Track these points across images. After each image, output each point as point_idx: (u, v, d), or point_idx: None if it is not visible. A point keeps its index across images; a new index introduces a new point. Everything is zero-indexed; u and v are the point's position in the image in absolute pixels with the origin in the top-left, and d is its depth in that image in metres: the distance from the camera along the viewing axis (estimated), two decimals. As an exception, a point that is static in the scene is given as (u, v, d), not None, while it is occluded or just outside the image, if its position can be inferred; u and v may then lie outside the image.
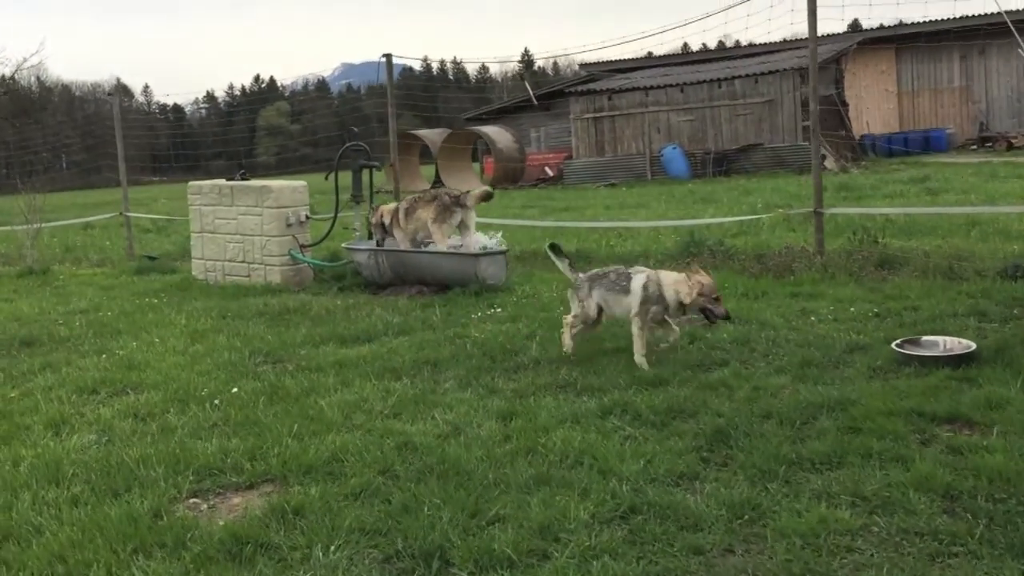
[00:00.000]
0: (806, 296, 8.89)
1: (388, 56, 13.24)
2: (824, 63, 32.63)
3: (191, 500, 4.85)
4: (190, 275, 13.10)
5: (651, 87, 33.13)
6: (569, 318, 7.38)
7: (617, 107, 33.43)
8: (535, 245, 13.51)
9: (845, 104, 33.68)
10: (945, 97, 41.94)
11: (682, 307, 7.02)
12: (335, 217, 12.14)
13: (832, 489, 4.36)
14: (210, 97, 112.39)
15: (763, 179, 26.17)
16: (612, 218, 16.76)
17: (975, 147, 37.16)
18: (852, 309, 8.19)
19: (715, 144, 31.59)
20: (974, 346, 6.28)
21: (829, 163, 29.96)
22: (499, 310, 9.25)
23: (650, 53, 42.43)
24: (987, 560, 3.61)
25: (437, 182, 33.27)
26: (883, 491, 4.27)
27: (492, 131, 36.03)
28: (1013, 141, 35.00)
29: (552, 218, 17.93)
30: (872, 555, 3.74)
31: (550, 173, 35.96)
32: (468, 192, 10.98)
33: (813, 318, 8.04)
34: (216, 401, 6.52)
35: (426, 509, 4.38)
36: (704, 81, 32.16)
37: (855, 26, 43.70)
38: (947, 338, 6.58)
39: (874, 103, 40.61)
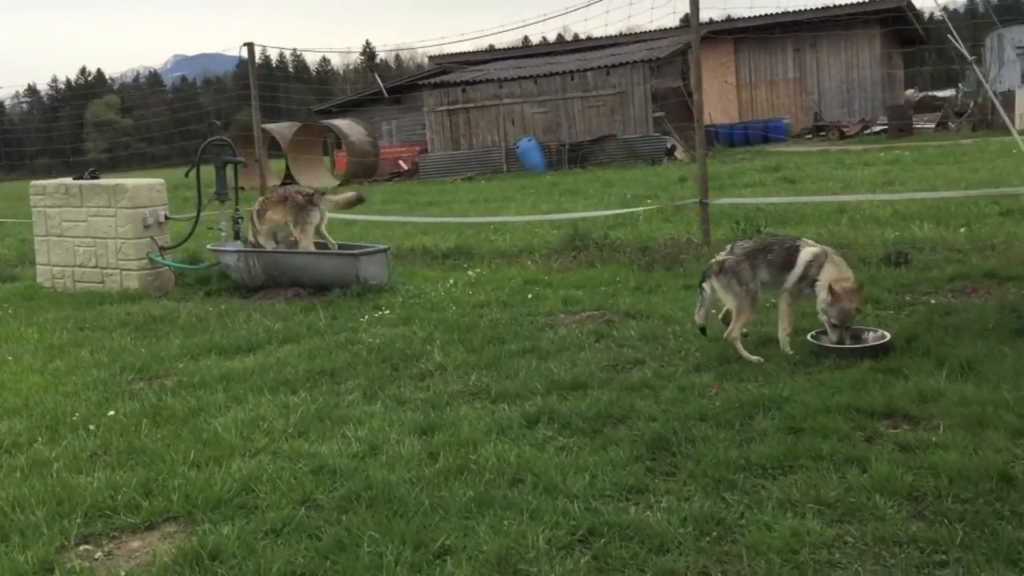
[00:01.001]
0: (695, 287, 8.77)
1: (250, 45, 12.49)
2: (671, 56, 33.31)
3: (82, 547, 4.24)
4: (35, 282, 12.03)
5: (505, 79, 33.01)
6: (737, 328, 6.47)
7: (471, 99, 33.16)
8: (410, 242, 13.06)
9: (691, 96, 34.41)
10: (781, 88, 43.58)
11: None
12: (197, 216, 11.35)
13: (793, 497, 4.15)
14: (31, 91, 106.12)
15: (619, 170, 26.40)
16: (482, 212, 16.44)
17: (810, 136, 38.74)
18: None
19: (569, 136, 31.74)
20: (888, 336, 6.25)
21: (679, 153, 30.59)
22: (387, 312, 8.78)
23: (491, 46, 42.41)
24: (976, 568, 3.46)
25: (288, 178, 32.17)
26: (846, 497, 4.09)
27: (343, 124, 35.15)
28: (845, 130, 36.62)
29: (419, 213, 17.48)
30: (857, 570, 3.53)
31: (405, 167, 35.38)
32: (321, 192, 10.59)
33: (714, 311, 7.91)
34: (91, 426, 5.84)
35: (364, 545, 3.93)
36: (557, 73, 32.27)
37: (686, 20, 44.84)
38: (861, 328, 6.54)
39: (715, 95, 41.80)
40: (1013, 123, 30.78)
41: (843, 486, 4.19)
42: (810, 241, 6.76)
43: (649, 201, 15.41)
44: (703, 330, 6.79)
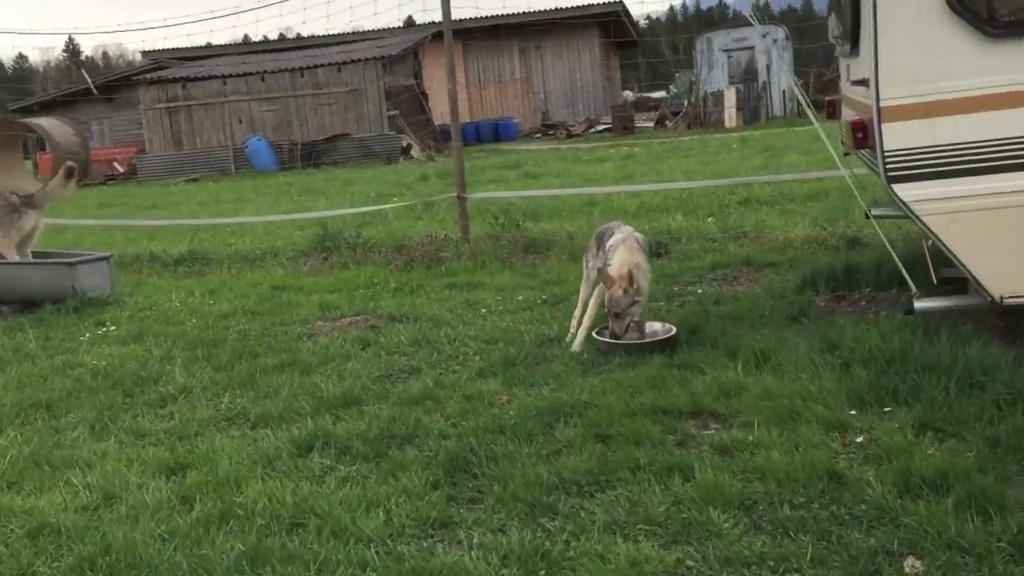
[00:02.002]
0: (464, 287, 8.28)
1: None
2: (402, 53, 32.85)
3: None
4: None
5: (229, 75, 31.25)
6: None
7: (193, 96, 31.13)
8: (135, 248, 11.71)
9: (425, 94, 34.21)
10: (509, 89, 44.28)
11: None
12: None
13: (619, 517, 3.67)
14: None
15: (355, 169, 25.55)
16: (214, 214, 15.16)
17: (539, 135, 39.56)
18: (519, 298, 7.70)
19: (301, 135, 30.49)
20: (674, 329, 5.98)
21: (415, 152, 30.20)
22: (113, 328, 7.63)
23: (209, 43, 40.23)
24: (836, 585, 3.10)
25: (-17, 182, 28.77)
26: (676, 512, 3.66)
27: (47, 123, 31.88)
28: (571, 129, 37.70)
29: (143, 216, 15.91)
30: (711, 600, 3.09)
31: (120, 169, 32.69)
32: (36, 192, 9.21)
33: (484, 310, 7.43)
34: None
35: (108, 632, 3.06)
36: (286, 70, 30.93)
37: (409, 22, 44.80)
38: (645, 321, 6.24)
39: (446, 94, 41.79)
40: (724, 121, 32.88)
41: (669, 499, 3.76)
42: (626, 227, 6.40)
43: (396, 199, 14.78)
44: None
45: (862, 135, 4.51)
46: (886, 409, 4.40)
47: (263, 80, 30.94)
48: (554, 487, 3.98)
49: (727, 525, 3.52)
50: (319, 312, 7.76)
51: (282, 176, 25.37)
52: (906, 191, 4.42)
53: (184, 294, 8.81)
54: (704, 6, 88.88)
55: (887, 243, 4.75)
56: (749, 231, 9.46)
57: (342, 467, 4.41)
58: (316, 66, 30.85)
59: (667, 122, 35.83)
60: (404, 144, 30.09)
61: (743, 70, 34.51)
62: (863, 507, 3.54)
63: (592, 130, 37.54)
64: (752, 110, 33.74)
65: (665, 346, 5.80)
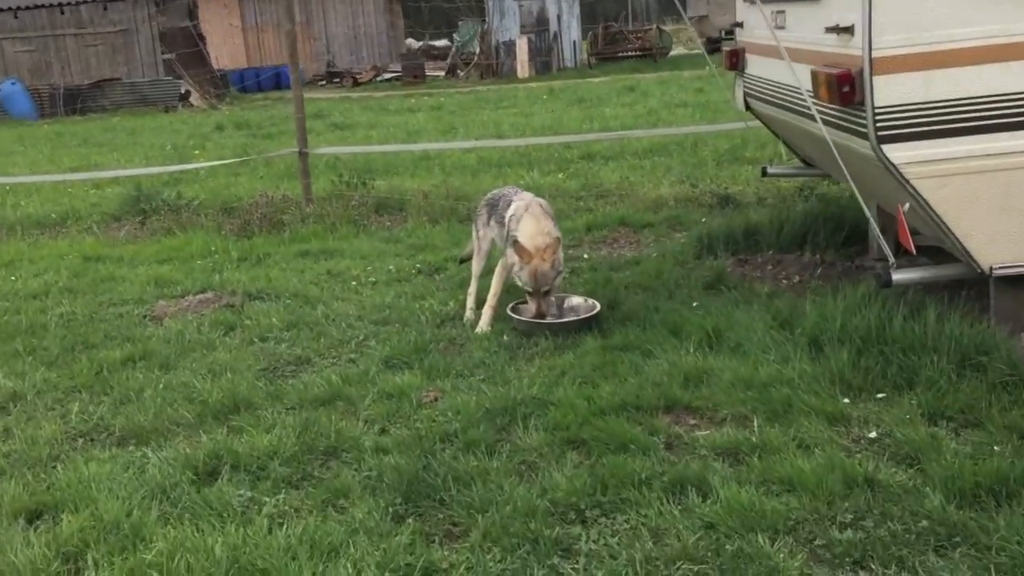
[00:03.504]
0: (320, 255, 7.34)
1: None
2: (176, -8, 30.36)
3: None
4: None
5: (-26, 10, 27.77)
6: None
7: (-68, 33, 27.49)
8: None
9: (203, 37, 31.85)
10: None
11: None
12: None
13: (650, 553, 3.04)
14: None
15: (131, 118, 23.28)
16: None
17: (324, 83, 37.98)
18: (390, 267, 6.88)
19: (63, 79, 27.60)
20: (598, 305, 5.37)
21: (194, 99, 28.05)
22: None
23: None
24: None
25: None
26: (717, 543, 3.07)
27: None
28: (358, 77, 36.35)
29: None
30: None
31: None
32: None
33: (353, 283, 6.56)
34: None
35: None
36: (43, 6, 27.80)
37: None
38: (563, 295, 5.59)
39: (221, 38, 39.26)
40: (516, 71, 32.58)
41: (697, 524, 3.17)
42: (524, 193, 5.70)
43: (198, 152, 13.37)
44: None
45: (848, 89, 4.04)
46: (880, 395, 3.98)
47: (16, 17, 27.71)
48: (549, 514, 3.29)
49: (781, 556, 2.96)
50: (155, 289, 6.64)
51: (46, 125, 22.78)
52: (897, 152, 3.99)
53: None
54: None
55: (865, 208, 4.30)
56: (613, 189, 8.99)
57: (266, 498, 3.54)
58: (78, 3, 27.94)
59: (459, 71, 35.15)
60: (183, 91, 27.88)
61: (534, 20, 34.31)
62: (925, 523, 3.07)
63: (379, 78, 36.36)
64: (544, 61, 33.63)
65: (592, 324, 5.20)
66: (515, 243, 5.14)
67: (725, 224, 6.82)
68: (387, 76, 36.49)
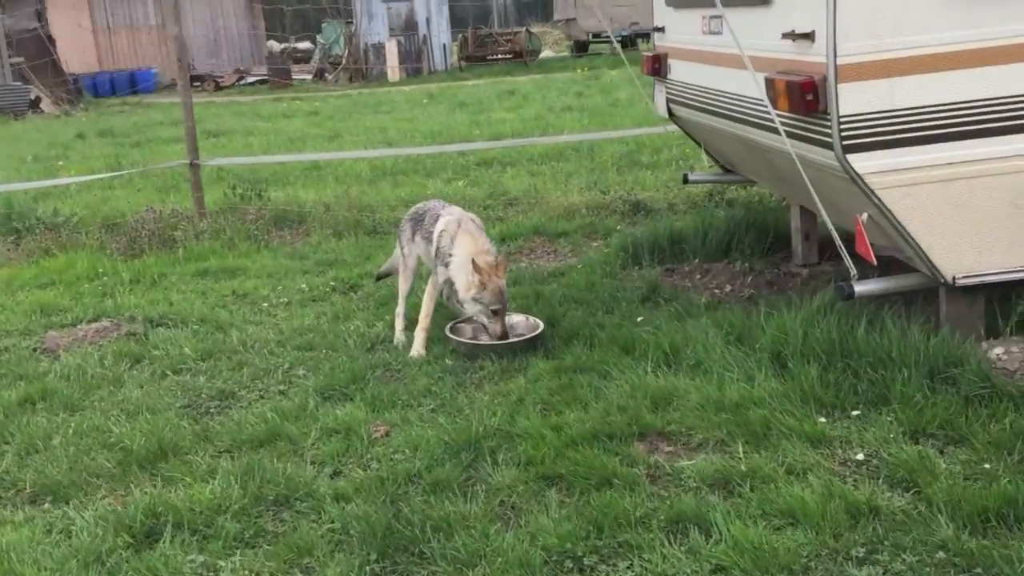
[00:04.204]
0: (221, 274, 6.86)
1: None
2: (23, -9, 28.69)
3: None
4: None
5: None
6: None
7: None
8: None
9: (52, 39, 30.21)
10: (143, 35, 40.42)
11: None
12: None
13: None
14: None
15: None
16: None
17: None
18: (302, 286, 6.47)
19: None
20: (541, 324, 5.11)
21: (45, 105, 26.51)
22: None
23: None
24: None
25: None
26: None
27: None
28: (220, 81, 35.16)
29: None
30: None
31: None
32: None
33: (265, 304, 6.14)
34: None
35: None
36: None
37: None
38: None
39: (70, 40, 37.34)
40: (387, 75, 32.08)
41: (707, 568, 2.96)
42: (452, 207, 5.40)
43: (63, 164, 12.48)
44: None
45: (812, 98, 3.91)
46: (854, 412, 3.87)
47: None
48: (544, 563, 3.02)
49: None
50: (42, 317, 6.06)
51: None
52: (862, 162, 3.89)
53: None
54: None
55: (826, 218, 4.17)
56: (521, 196, 8.76)
57: (220, 562, 3.15)
58: (-87, 2, 26.03)
59: (327, 75, 34.38)
60: (33, 97, 26.34)
61: (403, 22, 33.88)
62: (941, 554, 2.94)
63: (243, 82, 35.27)
64: (414, 65, 33.24)
65: (536, 343, 4.95)
66: (473, 262, 4.84)
67: (649, 232, 6.68)
68: (251, 80, 35.41)
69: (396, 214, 8.30)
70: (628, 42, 35.20)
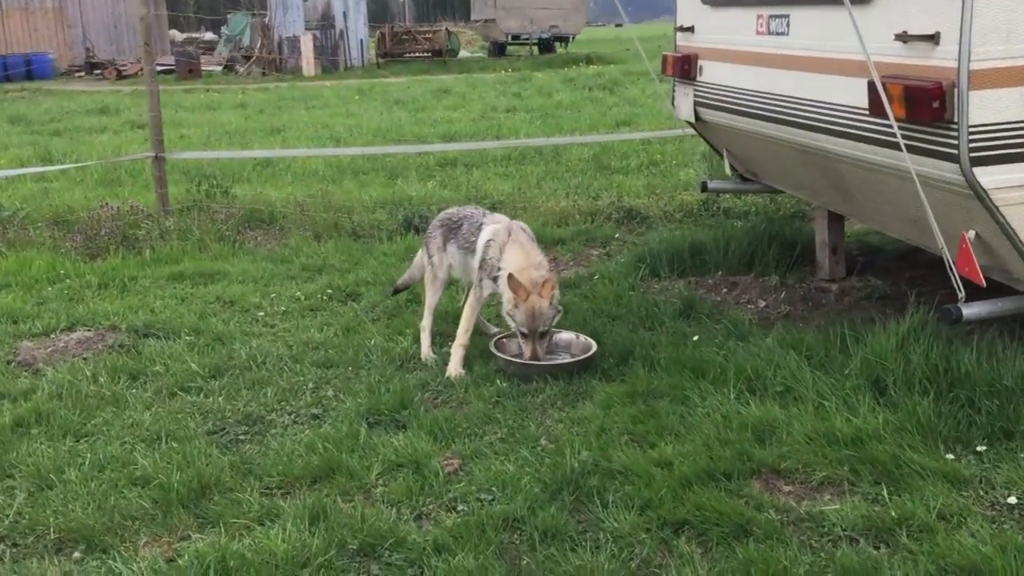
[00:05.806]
0: (199, 278, 6.24)
1: None
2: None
3: None
4: None
5: None
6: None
7: None
8: None
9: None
10: (39, 19, 38.48)
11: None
12: None
13: None
14: None
15: None
16: None
17: (82, 74, 35.02)
18: (297, 293, 5.90)
19: None
20: (594, 344, 4.67)
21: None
22: None
23: None
24: None
25: None
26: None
27: None
28: (122, 69, 33.62)
29: None
30: None
31: None
32: None
33: (261, 314, 5.56)
34: None
35: None
36: None
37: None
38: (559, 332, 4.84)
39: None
40: (302, 68, 31.15)
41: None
42: (495, 214, 4.92)
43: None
44: None
45: (938, 105, 3.59)
46: (979, 448, 3.56)
47: None
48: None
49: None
50: (8, 325, 5.35)
51: None
52: (988, 176, 3.59)
53: None
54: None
55: (939, 238, 3.84)
56: (504, 200, 8.30)
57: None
58: None
59: (238, 67, 33.21)
60: (-76, 79, 24.65)
61: (319, 16, 32.96)
62: None
63: (148, 71, 33.78)
64: (331, 59, 32.37)
65: (589, 364, 4.52)
66: (510, 278, 4.38)
67: (667, 242, 6.32)
68: (157, 69, 33.99)
69: (375, 216, 7.78)
70: (545, 46, 35.14)
